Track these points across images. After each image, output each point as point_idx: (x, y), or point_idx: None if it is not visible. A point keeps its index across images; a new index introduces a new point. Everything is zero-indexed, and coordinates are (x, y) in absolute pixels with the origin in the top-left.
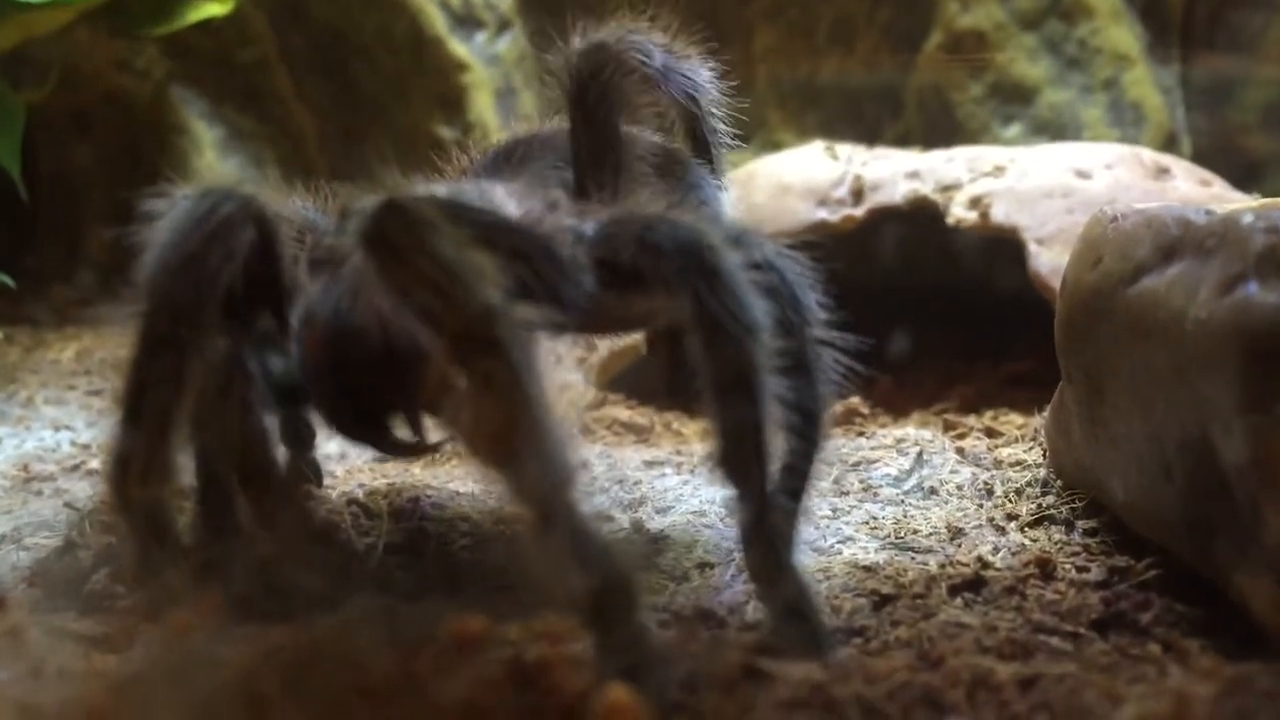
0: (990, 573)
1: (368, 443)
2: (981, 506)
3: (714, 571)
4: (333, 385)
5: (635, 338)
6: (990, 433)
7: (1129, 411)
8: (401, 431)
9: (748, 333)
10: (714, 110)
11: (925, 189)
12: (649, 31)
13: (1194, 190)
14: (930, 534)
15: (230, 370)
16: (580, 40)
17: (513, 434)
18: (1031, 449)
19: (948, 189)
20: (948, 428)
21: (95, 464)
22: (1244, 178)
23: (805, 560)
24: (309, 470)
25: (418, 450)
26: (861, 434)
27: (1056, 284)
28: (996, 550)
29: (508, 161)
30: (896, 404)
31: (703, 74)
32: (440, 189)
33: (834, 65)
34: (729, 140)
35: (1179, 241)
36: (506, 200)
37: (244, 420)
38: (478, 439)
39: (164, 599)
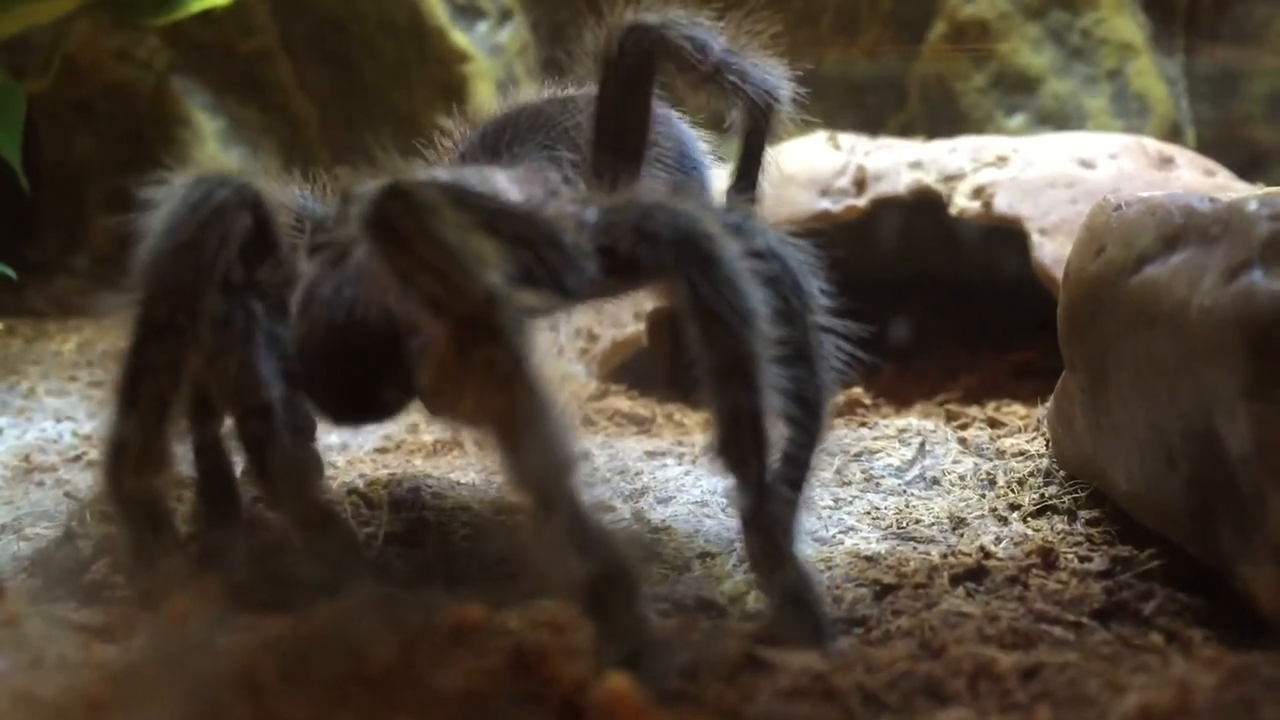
0: (992, 562)
1: (362, 424)
2: (984, 496)
3: (715, 561)
4: (328, 370)
5: (638, 329)
6: (993, 423)
7: (1132, 401)
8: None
9: (744, 322)
10: (782, 121)
11: (928, 179)
12: (710, 26)
13: (1198, 180)
14: (932, 524)
15: (236, 351)
16: (628, 17)
17: (513, 421)
18: (1034, 439)
19: (951, 179)
20: (950, 418)
21: (96, 455)
22: (1248, 168)
23: (807, 550)
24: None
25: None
26: (864, 424)
27: (1059, 274)
28: (999, 540)
29: (498, 140)
30: (899, 394)
31: (780, 84)
32: (442, 174)
33: (837, 55)
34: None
35: (1183, 230)
36: (509, 186)
37: (252, 398)
38: (478, 426)
39: (159, 588)
